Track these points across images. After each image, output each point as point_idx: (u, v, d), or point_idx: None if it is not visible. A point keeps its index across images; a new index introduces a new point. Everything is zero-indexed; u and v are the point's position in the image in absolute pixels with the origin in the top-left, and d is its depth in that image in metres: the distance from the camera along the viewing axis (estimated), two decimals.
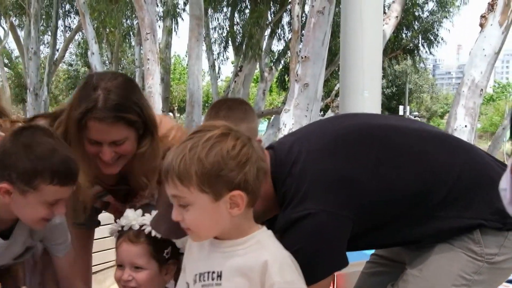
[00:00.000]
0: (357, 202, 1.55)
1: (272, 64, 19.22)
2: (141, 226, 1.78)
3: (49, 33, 19.23)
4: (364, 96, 3.87)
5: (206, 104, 24.45)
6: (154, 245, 1.76)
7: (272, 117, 18.54)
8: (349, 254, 1.87)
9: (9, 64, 24.11)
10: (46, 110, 15.08)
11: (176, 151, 1.33)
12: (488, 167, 1.68)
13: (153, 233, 1.74)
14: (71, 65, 29.62)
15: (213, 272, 1.38)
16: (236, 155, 1.31)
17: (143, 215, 1.81)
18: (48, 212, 1.72)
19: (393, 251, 1.86)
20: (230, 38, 18.04)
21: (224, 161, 1.30)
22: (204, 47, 13.94)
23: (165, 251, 1.78)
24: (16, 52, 24.49)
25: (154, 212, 1.78)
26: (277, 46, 28.05)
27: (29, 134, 1.70)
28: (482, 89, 8.67)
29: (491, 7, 8.23)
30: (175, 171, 1.31)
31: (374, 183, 1.57)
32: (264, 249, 1.37)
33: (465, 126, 8.61)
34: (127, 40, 20.14)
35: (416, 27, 17.27)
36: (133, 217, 1.79)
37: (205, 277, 1.40)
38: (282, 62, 19.25)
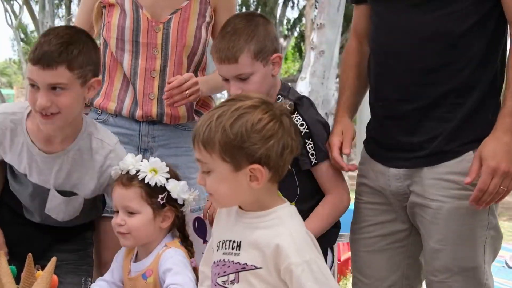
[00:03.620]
0: None
1: (287, 31, 19.03)
2: (137, 171, 1.76)
3: (63, 6, 19.19)
4: None
5: None
6: (147, 189, 1.74)
7: None
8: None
9: (24, 39, 24.14)
10: None
11: (205, 117, 1.35)
12: None
13: (147, 179, 1.73)
14: None
15: (234, 241, 1.40)
16: (261, 129, 1.30)
17: (141, 160, 1.80)
18: (32, 97, 1.78)
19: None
20: (244, 7, 17.88)
21: (247, 134, 1.29)
22: None
23: (159, 196, 1.75)
24: (31, 27, 24.57)
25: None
26: (292, 13, 27.81)
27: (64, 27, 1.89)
28: None
29: None
30: (200, 137, 1.33)
31: None
32: (282, 226, 1.36)
33: None
34: None
35: None
36: (131, 162, 1.78)
37: (226, 245, 1.42)
38: (297, 29, 19.04)
